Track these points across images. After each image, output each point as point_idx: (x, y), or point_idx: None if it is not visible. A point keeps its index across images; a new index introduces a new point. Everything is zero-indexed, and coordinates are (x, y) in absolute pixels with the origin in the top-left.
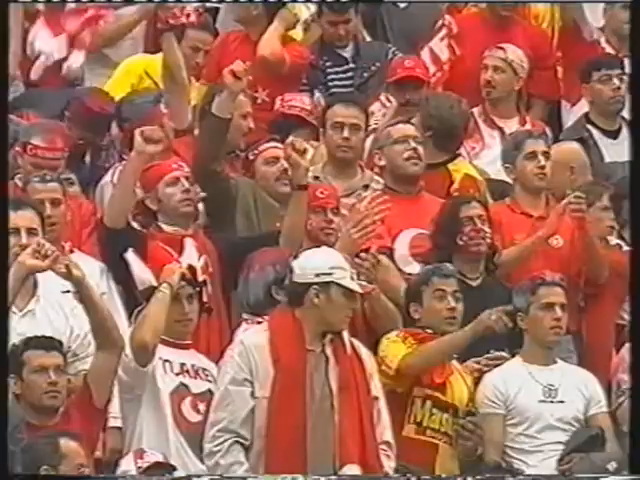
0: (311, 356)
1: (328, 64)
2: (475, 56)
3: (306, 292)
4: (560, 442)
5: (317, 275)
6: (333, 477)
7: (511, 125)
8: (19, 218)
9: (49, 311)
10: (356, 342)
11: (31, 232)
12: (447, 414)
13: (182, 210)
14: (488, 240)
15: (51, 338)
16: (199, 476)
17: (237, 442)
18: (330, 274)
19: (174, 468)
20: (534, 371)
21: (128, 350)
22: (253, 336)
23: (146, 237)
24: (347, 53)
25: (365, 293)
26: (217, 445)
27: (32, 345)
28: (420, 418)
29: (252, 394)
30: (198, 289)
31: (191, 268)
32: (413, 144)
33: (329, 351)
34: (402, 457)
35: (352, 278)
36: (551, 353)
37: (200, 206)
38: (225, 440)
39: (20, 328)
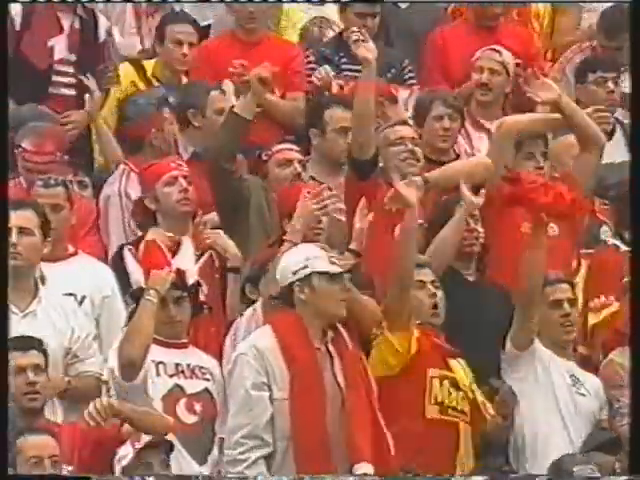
0: (319, 354)
1: (343, 60)
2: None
3: (292, 292)
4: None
5: (294, 273)
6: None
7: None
8: (16, 218)
9: (51, 312)
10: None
11: (23, 232)
12: (461, 392)
13: (180, 210)
14: (481, 240)
15: (30, 337)
16: (198, 476)
17: (263, 456)
18: (305, 267)
19: (172, 445)
20: (557, 359)
21: (115, 365)
22: (263, 339)
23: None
24: None
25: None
26: (243, 453)
27: (10, 347)
28: (441, 398)
29: (270, 397)
30: (186, 293)
31: (179, 272)
32: (410, 145)
33: (332, 348)
34: (426, 440)
35: (331, 262)
36: (566, 354)
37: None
38: (251, 449)
39: (21, 329)
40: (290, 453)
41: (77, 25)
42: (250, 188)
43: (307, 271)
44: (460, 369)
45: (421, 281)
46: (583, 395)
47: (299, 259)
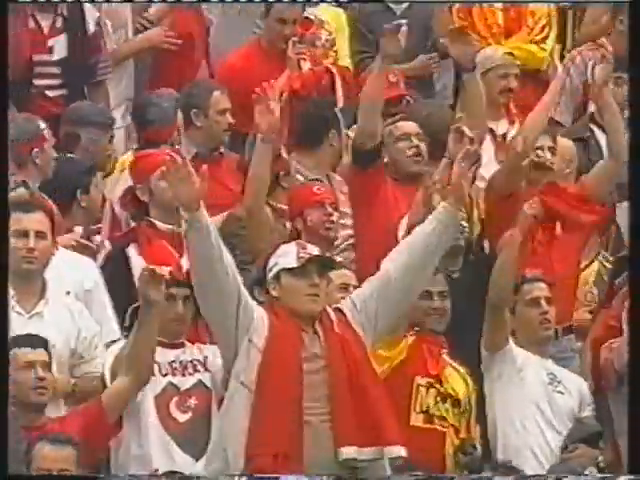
0: (305, 335)
1: None
2: None
3: None
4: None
5: (269, 270)
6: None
7: (501, 126)
8: (29, 221)
9: (57, 313)
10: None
11: (39, 235)
12: (448, 404)
13: (174, 206)
14: (466, 233)
15: (38, 337)
16: (199, 477)
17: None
18: (276, 264)
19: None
20: (533, 358)
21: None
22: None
23: (146, 233)
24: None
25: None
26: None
27: (19, 344)
28: (426, 407)
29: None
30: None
31: (179, 268)
32: (415, 141)
33: (319, 329)
34: (411, 447)
35: (299, 257)
36: (545, 351)
37: None
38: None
39: (28, 330)
40: None
41: (59, 24)
42: None
43: (276, 269)
44: (460, 383)
45: (428, 292)
46: (561, 393)
47: (273, 258)
